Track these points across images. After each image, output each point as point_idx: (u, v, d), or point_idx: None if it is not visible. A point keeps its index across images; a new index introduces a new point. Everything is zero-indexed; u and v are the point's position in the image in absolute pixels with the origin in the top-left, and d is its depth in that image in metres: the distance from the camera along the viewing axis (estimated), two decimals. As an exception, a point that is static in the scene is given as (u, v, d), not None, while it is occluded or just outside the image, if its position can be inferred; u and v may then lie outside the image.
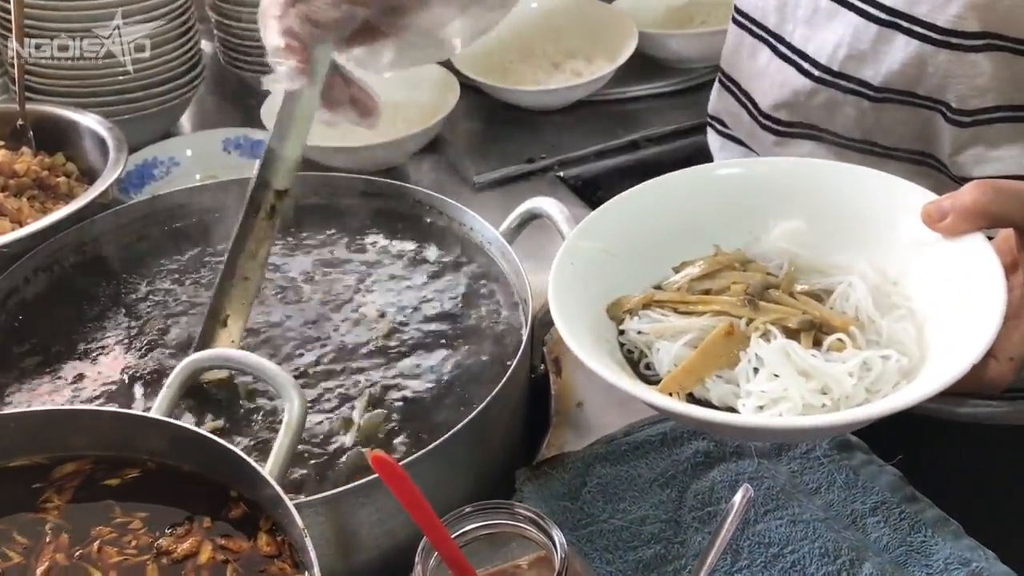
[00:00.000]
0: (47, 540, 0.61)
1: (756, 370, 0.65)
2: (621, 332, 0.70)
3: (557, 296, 0.68)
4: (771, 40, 0.92)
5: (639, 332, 0.69)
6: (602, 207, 0.75)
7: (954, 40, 0.80)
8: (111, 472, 0.65)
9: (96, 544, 0.61)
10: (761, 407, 0.63)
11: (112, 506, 0.63)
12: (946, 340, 0.64)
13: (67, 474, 0.65)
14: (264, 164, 0.80)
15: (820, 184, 0.73)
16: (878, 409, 0.60)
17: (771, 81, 0.93)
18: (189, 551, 0.60)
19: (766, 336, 0.66)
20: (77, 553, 0.61)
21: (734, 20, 0.99)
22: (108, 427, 0.66)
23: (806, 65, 0.89)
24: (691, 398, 0.66)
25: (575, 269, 0.70)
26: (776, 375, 0.64)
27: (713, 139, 1.07)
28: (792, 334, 0.66)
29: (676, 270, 0.74)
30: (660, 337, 0.68)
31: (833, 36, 0.86)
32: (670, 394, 0.65)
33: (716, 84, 1.05)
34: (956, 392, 0.61)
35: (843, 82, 0.87)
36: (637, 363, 0.69)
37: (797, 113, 0.92)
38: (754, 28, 0.95)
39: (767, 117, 0.95)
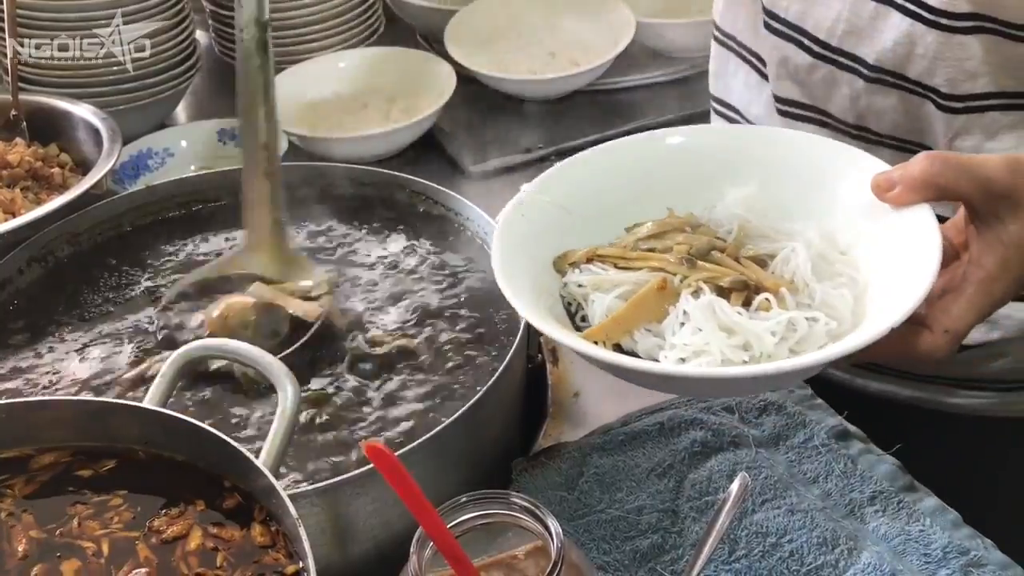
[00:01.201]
0: (10, 525, 0.61)
1: (683, 325, 0.66)
2: (565, 285, 0.71)
3: (501, 243, 0.69)
4: (767, 19, 0.92)
5: (579, 285, 0.70)
6: (560, 164, 0.76)
7: (943, 21, 0.80)
8: (88, 462, 0.64)
9: (76, 521, 0.61)
10: (683, 359, 0.64)
11: (84, 492, 0.63)
12: (877, 308, 0.65)
13: (45, 465, 0.65)
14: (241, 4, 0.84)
15: (776, 152, 0.74)
16: (789, 365, 0.61)
17: (768, 59, 0.92)
18: (179, 533, 0.60)
19: (696, 293, 0.66)
20: (58, 531, 0.61)
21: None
22: (100, 417, 0.65)
23: (806, 41, 0.88)
24: (619, 349, 0.66)
25: (525, 220, 0.71)
26: (700, 329, 0.65)
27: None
28: (724, 293, 0.67)
29: (628, 230, 0.74)
30: (596, 289, 0.69)
31: (831, 12, 0.86)
32: (595, 343, 0.66)
33: (719, 67, 1.03)
34: (891, 363, 0.62)
35: (841, 59, 0.87)
36: (574, 315, 0.70)
37: (799, 90, 0.91)
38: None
39: (777, 99, 0.94)
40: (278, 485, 0.59)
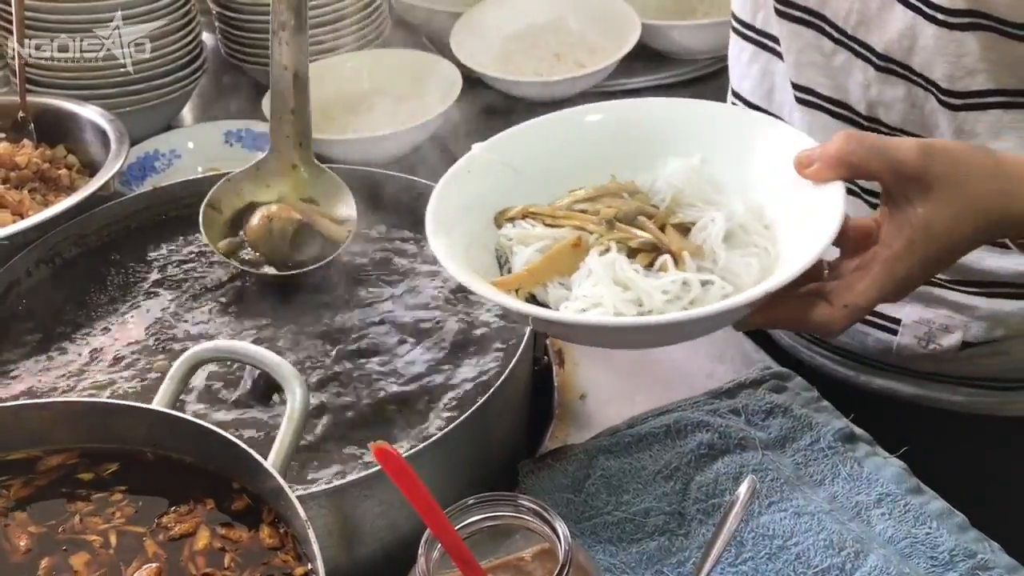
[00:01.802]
0: (4, 524, 0.62)
1: (588, 278, 0.70)
2: (500, 239, 0.76)
3: (440, 194, 0.74)
4: (780, 7, 0.92)
5: (508, 239, 0.74)
6: (513, 128, 0.79)
7: (940, 16, 0.80)
8: (92, 466, 0.65)
9: (77, 517, 0.61)
10: (583, 310, 0.68)
11: (81, 492, 0.64)
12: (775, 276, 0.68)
13: (52, 467, 0.65)
14: None
15: (719, 126, 0.77)
16: (663, 319, 0.65)
17: (788, 47, 0.93)
18: (186, 531, 0.61)
19: (606, 252, 0.70)
20: (60, 528, 0.61)
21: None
22: (109, 419, 0.66)
23: (827, 27, 0.89)
24: (534, 299, 0.71)
25: (472, 176, 0.75)
26: (599, 284, 0.69)
27: None
28: (633, 253, 0.70)
29: (570, 193, 0.77)
30: (520, 243, 0.73)
31: (845, 2, 0.87)
32: (511, 292, 0.70)
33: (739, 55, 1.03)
34: (789, 328, 0.66)
35: (855, 45, 0.88)
36: (503, 266, 0.74)
37: (820, 78, 0.91)
38: None
39: (794, 86, 0.94)
40: (287, 487, 0.59)
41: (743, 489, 0.64)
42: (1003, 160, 0.70)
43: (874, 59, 0.87)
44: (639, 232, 0.71)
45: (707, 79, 1.46)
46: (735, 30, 1.01)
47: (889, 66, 0.86)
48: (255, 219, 0.93)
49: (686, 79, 1.46)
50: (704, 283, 0.68)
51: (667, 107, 0.80)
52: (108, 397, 0.82)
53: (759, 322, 0.69)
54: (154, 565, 0.59)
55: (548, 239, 0.72)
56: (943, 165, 0.66)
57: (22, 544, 0.61)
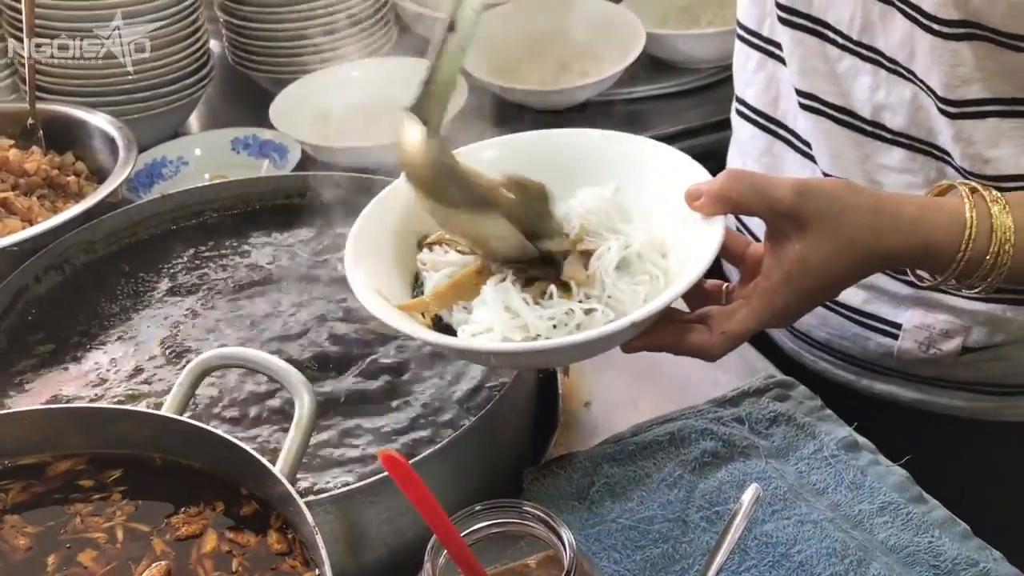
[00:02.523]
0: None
1: (483, 305, 0.73)
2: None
3: (365, 218, 0.78)
4: (783, 14, 0.93)
5: (423, 263, 0.78)
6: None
7: (936, 26, 0.81)
8: (96, 472, 0.66)
9: (78, 519, 0.62)
10: (475, 335, 0.72)
11: (77, 495, 0.64)
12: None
13: (60, 472, 0.66)
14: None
15: (630, 157, 0.81)
16: (537, 345, 0.70)
17: (791, 54, 0.94)
18: (193, 532, 0.61)
19: (502, 280, 0.74)
20: (61, 530, 0.62)
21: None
22: (118, 425, 0.66)
23: (831, 34, 0.90)
24: (439, 322, 0.75)
25: (401, 200, 0.79)
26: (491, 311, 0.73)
27: (742, 128, 1.07)
28: (530, 282, 0.74)
29: None
30: (432, 268, 0.77)
31: (847, 9, 0.88)
32: (421, 315, 0.74)
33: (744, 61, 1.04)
34: (670, 352, 0.71)
35: (863, 50, 0.89)
36: (415, 290, 0.78)
37: (824, 83, 0.92)
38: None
39: (798, 92, 0.95)
40: (295, 493, 0.59)
41: (747, 497, 0.65)
42: (881, 198, 0.74)
43: (884, 61, 0.88)
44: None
45: (712, 88, 1.47)
46: (741, 38, 1.02)
47: (897, 69, 0.87)
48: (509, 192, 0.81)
49: (690, 88, 1.47)
50: (588, 311, 0.72)
51: (583, 137, 0.84)
52: (116, 403, 0.82)
53: (640, 346, 0.73)
54: (164, 563, 0.59)
55: (458, 265, 0.76)
56: (817, 203, 0.70)
57: (21, 543, 0.61)
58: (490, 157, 0.82)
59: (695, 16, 1.52)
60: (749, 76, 1.02)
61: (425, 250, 0.79)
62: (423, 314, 0.75)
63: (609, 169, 0.80)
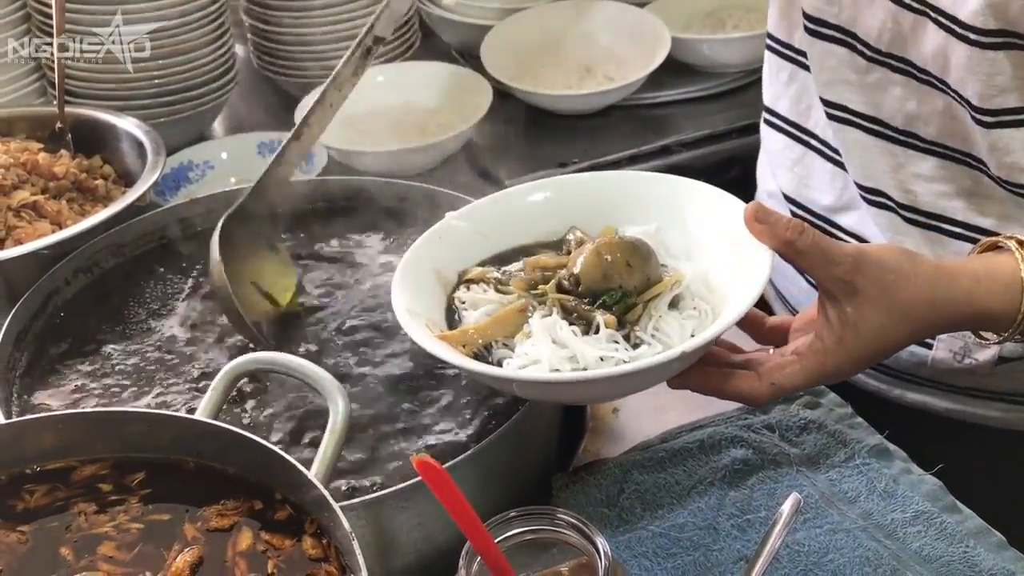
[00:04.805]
0: None
1: (528, 338, 0.74)
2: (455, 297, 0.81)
3: (410, 258, 0.81)
4: (811, 25, 0.92)
5: (461, 301, 0.80)
6: (487, 197, 0.86)
7: (972, 36, 0.81)
8: (119, 477, 0.66)
9: (83, 517, 0.63)
10: (523, 367, 0.73)
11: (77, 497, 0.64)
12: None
13: (85, 476, 0.66)
14: (378, 16, 0.91)
15: (676, 198, 0.82)
16: (579, 375, 0.71)
17: (819, 65, 0.93)
18: (223, 525, 0.62)
19: (548, 315, 0.75)
20: (65, 528, 0.62)
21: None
22: (151, 429, 0.66)
23: (859, 45, 0.90)
24: (480, 358, 0.75)
25: (442, 242, 0.82)
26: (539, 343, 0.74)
27: (773, 138, 1.06)
28: (569, 315, 0.75)
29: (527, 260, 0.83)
30: (472, 306, 0.79)
31: (876, 21, 0.87)
32: (461, 347, 0.75)
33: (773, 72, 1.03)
34: (712, 395, 0.73)
35: (893, 61, 0.88)
36: (452, 326, 0.79)
37: (852, 94, 0.92)
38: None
39: (824, 103, 0.95)
40: (331, 498, 0.59)
41: (787, 506, 0.64)
42: (939, 268, 0.74)
43: (916, 72, 0.87)
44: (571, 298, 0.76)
45: (737, 92, 1.47)
46: (771, 48, 1.01)
47: (929, 79, 0.86)
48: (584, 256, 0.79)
49: (716, 92, 1.47)
50: (635, 344, 0.73)
51: (627, 179, 0.86)
52: (151, 407, 0.82)
53: (687, 386, 0.74)
54: (195, 548, 0.60)
55: (496, 303, 0.78)
56: (872, 274, 0.71)
57: (18, 538, 0.61)
58: (541, 199, 0.85)
59: (720, 20, 1.52)
60: (780, 88, 1.01)
61: (462, 287, 0.81)
62: (462, 346, 0.75)
63: (655, 208, 0.82)
